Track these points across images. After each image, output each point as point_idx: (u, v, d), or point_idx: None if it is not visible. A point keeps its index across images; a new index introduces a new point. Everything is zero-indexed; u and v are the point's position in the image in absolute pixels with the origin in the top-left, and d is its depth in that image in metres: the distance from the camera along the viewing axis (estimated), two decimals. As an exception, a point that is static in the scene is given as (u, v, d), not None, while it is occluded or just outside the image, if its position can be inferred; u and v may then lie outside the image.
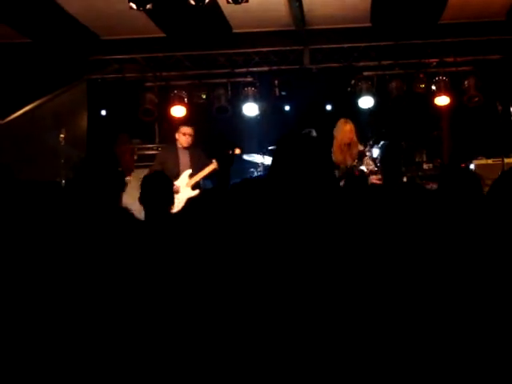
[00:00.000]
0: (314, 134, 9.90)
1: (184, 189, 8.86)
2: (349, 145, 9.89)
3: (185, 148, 9.43)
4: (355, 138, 9.97)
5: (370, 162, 9.89)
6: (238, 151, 9.28)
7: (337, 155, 9.81)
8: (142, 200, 5.32)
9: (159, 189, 5.33)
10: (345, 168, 9.66)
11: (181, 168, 9.29)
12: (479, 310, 2.30)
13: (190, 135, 9.42)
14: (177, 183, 8.64)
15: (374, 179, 9.75)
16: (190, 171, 9.17)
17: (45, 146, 10.44)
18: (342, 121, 10.05)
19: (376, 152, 10.07)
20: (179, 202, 6.15)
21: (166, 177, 5.77)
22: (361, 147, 9.97)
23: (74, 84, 11.60)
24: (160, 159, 9.52)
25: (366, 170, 9.76)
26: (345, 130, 9.90)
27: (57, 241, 2.48)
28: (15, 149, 10.27)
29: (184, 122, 10.24)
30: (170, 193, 5.51)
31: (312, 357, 2.16)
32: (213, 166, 9.13)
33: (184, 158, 9.41)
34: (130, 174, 9.96)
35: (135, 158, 11.19)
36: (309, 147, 2.91)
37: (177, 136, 9.51)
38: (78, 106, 11.59)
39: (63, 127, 9.97)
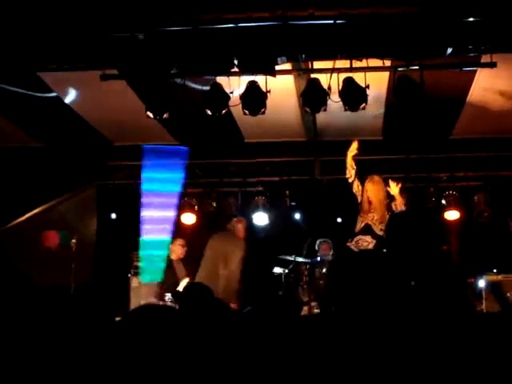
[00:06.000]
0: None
1: None
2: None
3: (179, 259, 9.90)
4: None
5: None
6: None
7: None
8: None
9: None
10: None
11: (179, 277, 9.64)
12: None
13: (186, 246, 10.00)
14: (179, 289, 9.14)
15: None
16: (187, 280, 9.36)
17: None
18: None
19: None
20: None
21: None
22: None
23: (84, 188, 11.61)
24: None
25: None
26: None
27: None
28: (22, 252, 10.18)
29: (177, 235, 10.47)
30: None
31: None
32: None
33: (180, 268, 9.82)
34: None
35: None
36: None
37: (173, 248, 9.94)
38: (87, 210, 11.57)
39: (71, 231, 10.02)
